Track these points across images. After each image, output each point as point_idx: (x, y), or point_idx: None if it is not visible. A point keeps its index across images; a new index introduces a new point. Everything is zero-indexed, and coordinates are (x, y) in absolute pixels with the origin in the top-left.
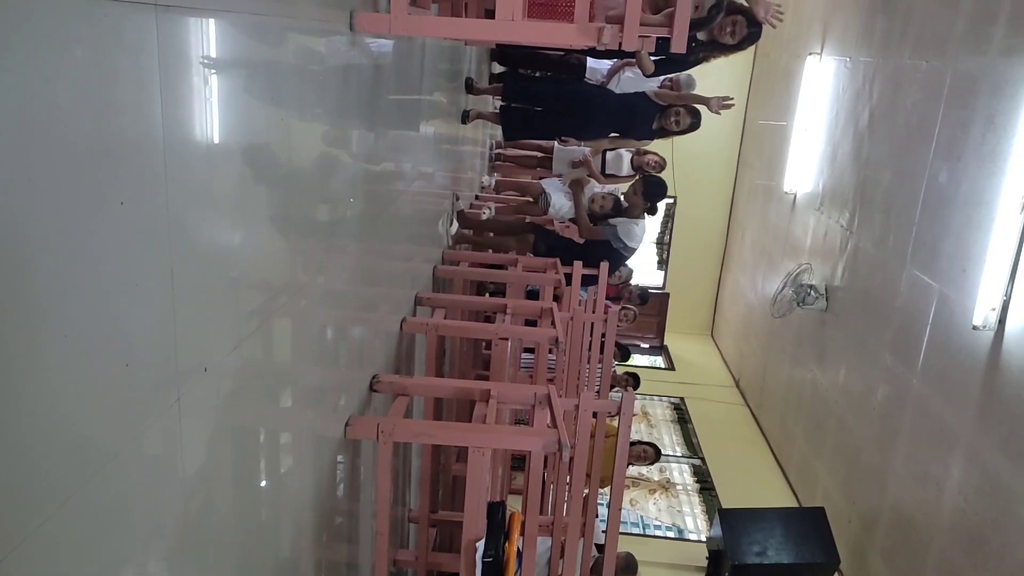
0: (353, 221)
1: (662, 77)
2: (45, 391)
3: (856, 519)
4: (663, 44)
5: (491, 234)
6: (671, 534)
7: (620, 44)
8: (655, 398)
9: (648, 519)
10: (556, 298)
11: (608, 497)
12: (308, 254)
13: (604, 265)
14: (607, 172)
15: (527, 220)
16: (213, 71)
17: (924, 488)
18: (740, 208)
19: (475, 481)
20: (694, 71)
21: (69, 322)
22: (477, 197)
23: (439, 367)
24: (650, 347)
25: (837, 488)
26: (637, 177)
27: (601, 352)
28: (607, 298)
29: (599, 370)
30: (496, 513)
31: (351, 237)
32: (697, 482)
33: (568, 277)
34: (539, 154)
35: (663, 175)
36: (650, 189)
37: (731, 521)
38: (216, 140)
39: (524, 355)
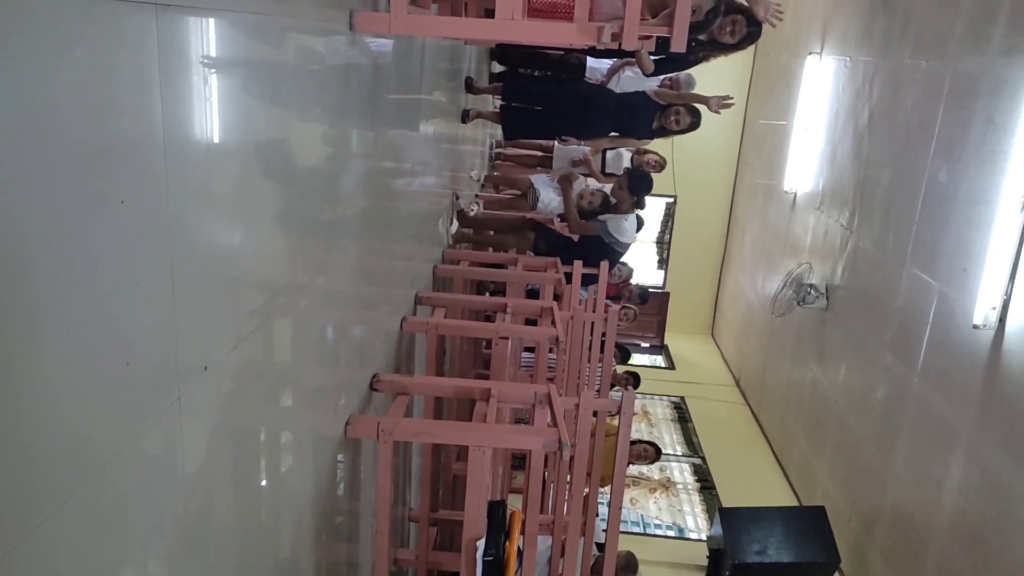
0: (353, 220)
1: (662, 76)
2: (45, 390)
3: (856, 518)
4: (663, 43)
5: (491, 232)
6: (671, 533)
7: (620, 44)
8: (655, 397)
9: (648, 518)
10: (556, 297)
11: (608, 496)
12: (308, 253)
13: (604, 264)
14: (607, 171)
15: (527, 217)
16: (213, 70)
17: (924, 487)
18: (740, 207)
19: (475, 480)
20: (694, 70)
21: (69, 321)
22: (477, 196)
23: (439, 366)
24: (650, 346)
25: (837, 487)
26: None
27: (601, 351)
28: (607, 297)
29: (599, 369)
30: (496, 512)
31: (351, 236)
32: (697, 481)
33: (568, 276)
34: (539, 153)
35: (663, 174)
36: (635, 183)
37: (731, 520)
38: (216, 140)
39: (524, 354)
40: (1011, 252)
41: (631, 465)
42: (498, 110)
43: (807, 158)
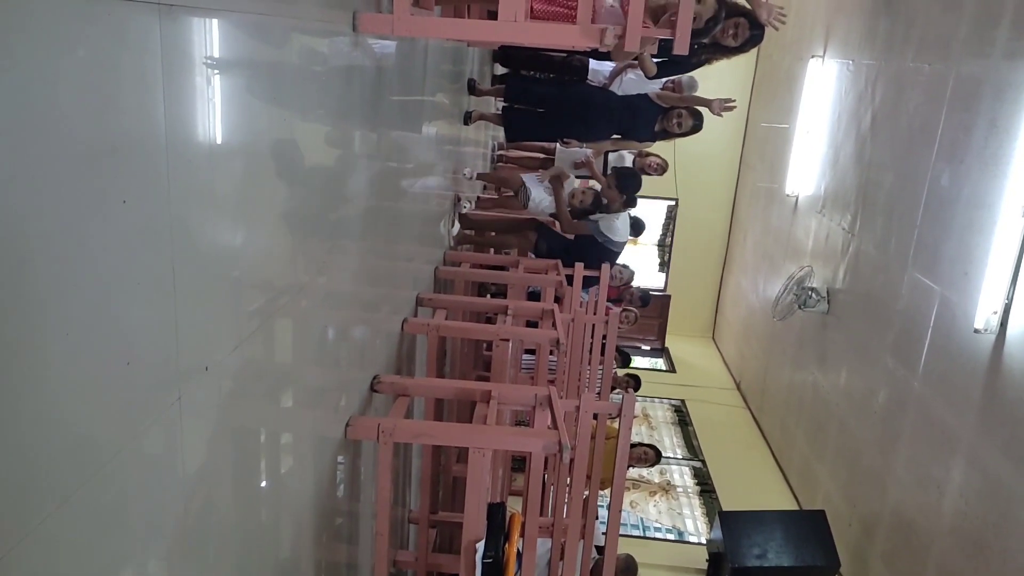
0: (355, 221)
1: (664, 79)
2: (45, 390)
3: (857, 522)
4: (665, 46)
5: (492, 233)
6: (671, 536)
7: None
8: (656, 400)
9: (648, 521)
10: (557, 299)
11: (608, 499)
12: (310, 254)
13: (606, 267)
14: (609, 174)
15: (530, 217)
16: (216, 71)
17: (925, 491)
18: (742, 210)
19: (475, 482)
20: (696, 73)
21: (70, 321)
22: (479, 198)
23: (440, 368)
24: (651, 349)
25: (838, 491)
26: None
27: (602, 354)
28: (608, 300)
29: (600, 372)
30: (496, 514)
31: (353, 237)
32: (697, 484)
33: (569, 278)
34: (541, 155)
35: (665, 177)
36: (623, 182)
37: (731, 524)
38: (218, 140)
39: (525, 356)
40: (1013, 256)
41: (631, 468)
42: (500, 112)
43: (809, 161)
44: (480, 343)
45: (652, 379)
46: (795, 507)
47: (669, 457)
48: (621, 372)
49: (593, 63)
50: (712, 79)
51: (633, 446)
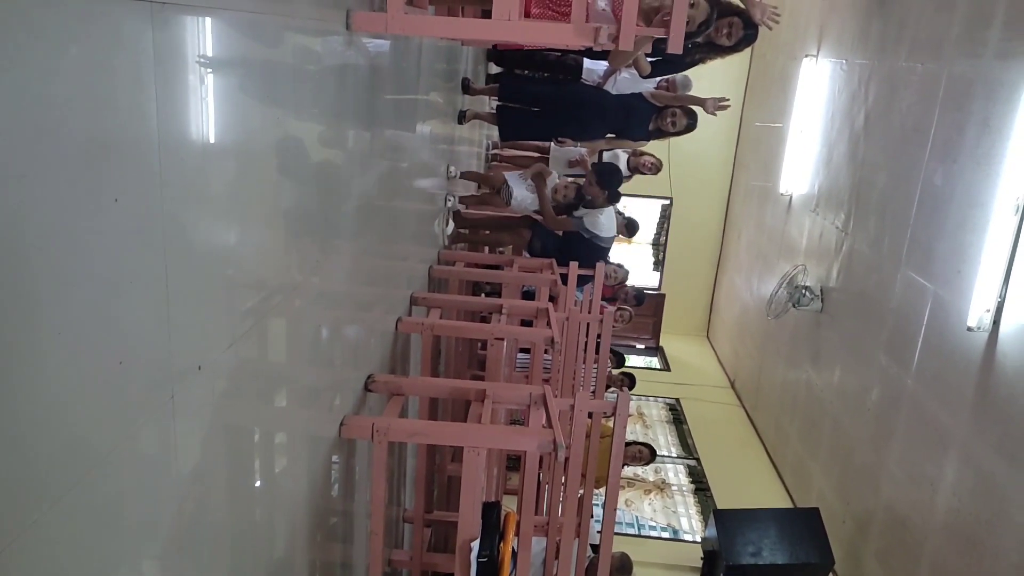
0: (349, 220)
1: (658, 78)
2: (38, 389)
3: (851, 519)
4: (659, 46)
5: (486, 232)
6: (666, 535)
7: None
8: (650, 399)
9: (643, 520)
10: (552, 298)
11: (603, 497)
12: (304, 253)
13: (600, 265)
14: (589, 171)
15: (523, 215)
16: (208, 69)
17: (918, 489)
18: (736, 209)
19: (470, 481)
20: (690, 72)
21: (62, 320)
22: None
23: (434, 367)
24: (646, 348)
25: (832, 489)
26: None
27: (597, 353)
28: (603, 299)
29: (595, 370)
30: (491, 513)
31: (347, 236)
32: (692, 483)
33: (564, 277)
34: (536, 155)
35: (659, 176)
36: (603, 178)
37: (726, 522)
38: (211, 139)
39: (520, 355)
40: (1006, 254)
41: (626, 467)
42: (495, 111)
43: (803, 160)
44: (475, 342)
45: (647, 378)
46: (789, 505)
47: (664, 455)
48: (616, 372)
49: (587, 62)
50: (706, 78)
51: (628, 444)
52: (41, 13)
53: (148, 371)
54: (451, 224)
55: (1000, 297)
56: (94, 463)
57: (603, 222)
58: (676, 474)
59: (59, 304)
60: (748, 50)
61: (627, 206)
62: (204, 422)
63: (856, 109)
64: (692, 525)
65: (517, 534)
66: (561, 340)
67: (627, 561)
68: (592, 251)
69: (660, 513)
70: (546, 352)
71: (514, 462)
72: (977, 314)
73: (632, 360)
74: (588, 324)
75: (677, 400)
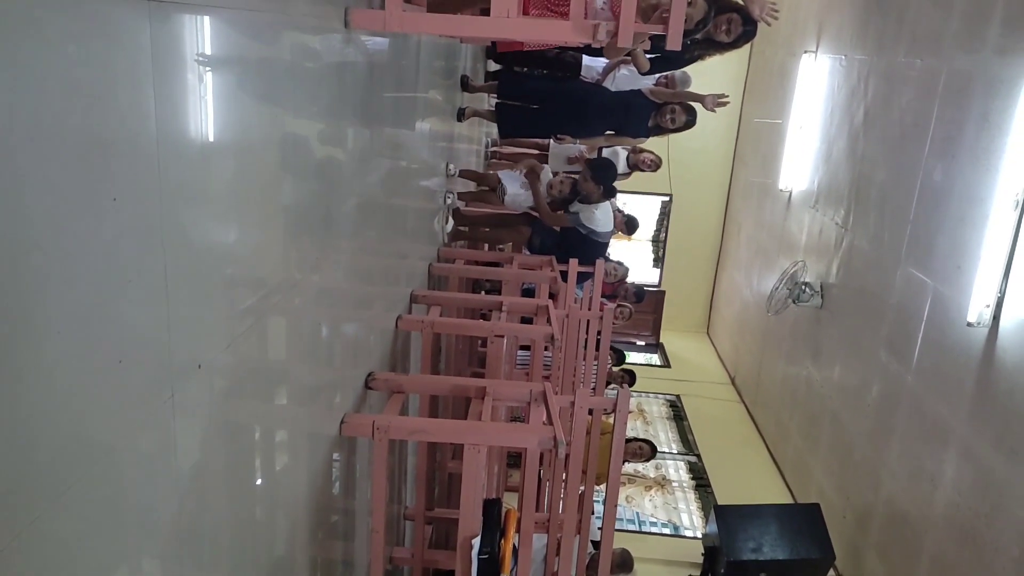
0: (348, 218)
1: (657, 75)
2: (37, 388)
3: (851, 515)
4: (658, 42)
5: (486, 229)
6: (667, 531)
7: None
8: (651, 395)
9: (644, 516)
10: (552, 296)
11: (604, 494)
12: (303, 251)
13: (600, 262)
14: (583, 167)
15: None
16: (206, 67)
17: (918, 484)
18: (736, 206)
19: (471, 478)
20: (689, 69)
21: (61, 319)
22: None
23: (434, 365)
24: (646, 344)
25: (832, 484)
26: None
27: (597, 349)
28: (603, 296)
29: (595, 367)
30: (492, 510)
31: (346, 234)
32: (693, 479)
33: (564, 274)
34: (535, 152)
35: (659, 173)
36: (597, 173)
37: (727, 517)
38: (210, 137)
39: (520, 352)
40: (1005, 250)
41: (626, 463)
42: (494, 108)
43: (802, 156)
44: (475, 339)
45: (647, 374)
46: (790, 500)
47: (664, 452)
48: (616, 369)
49: (586, 59)
50: (705, 75)
51: (628, 441)
52: (39, 11)
53: (147, 370)
54: (451, 222)
55: (1000, 292)
56: (94, 461)
57: (599, 217)
58: (677, 470)
59: (58, 303)
60: (747, 46)
61: (627, 203)
62: (204, 420)
63: (855, 105)
64: (693, 521)
65: (518, 531)
66: (561, 337)
67: (628, 557)
68: (591, 247)
69: (661, 509)
70: (546, 349)
71: (515, 459)
72: (977, 309)
73: (632, 357)
74: (588, 321)
75: (677, 396)
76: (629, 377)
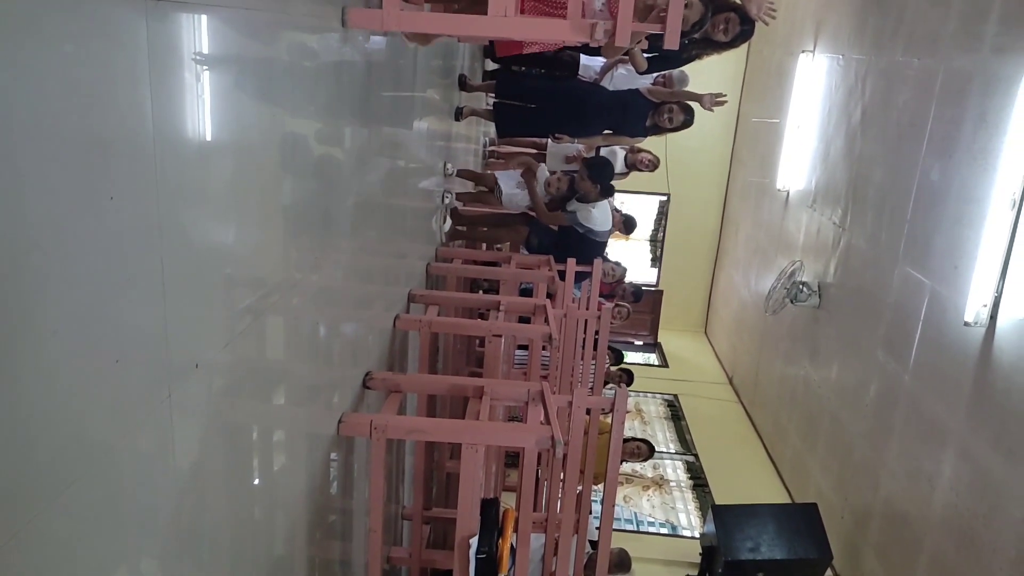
0: (346, 218)
1: (655, 74)
2: (34, 388)
3: (849, 515)
4: (656, 42)
5: (484, 228)
6: (664, 530)
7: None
8: (649, 395)
9: (642, 515)
10: (550, 295)
11: (602, 494)
12: (301, 251)
13: (598, 262)
14: (580, 166)
15: (521, 212)
16: (204, 66)
17: (916, 484)
18: (733, 205)
19: (468, 478)
20: (687, 68)
21: (58, 318)
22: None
23: (432, 364)
24: (643, 344)
25: (830, 484)
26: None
27: (595, 349)
28: (600, 295)
29: (592, 367)
30: (490, 510)
31: (344, 234)
32: (691, 479)
33: (562, 274)
34: (533, 151)
35: (657, 172)
36: (594, 172)
37: (724, 517)
38: (208, 136)
39: (518, 352)
40: (1002, 249)
41: (624, 463)
42: (492, 107)
43: (800, 156)
44: (472, 339)
45: (645, 374)
46: (787, 500)
47: (662, 452)
48: (614, 368)
49: (584, 58)
50: (703, 74)
51: (626, 441)
52: (36, 10)
53: (145, 369)
54: (449, 221)
55: (997, 292)
56: (92, 461)
57: (596, 216)
58: (674, 470)
59: (55, 302)
60: (745, 46)
61: (624, 202)
62: (202, 420)
63: (853, 104)
64: (690, 521)
65: (516, 530)
66: (559, 337)
67: (626, 557)
68: (589, 247)
69: (658, 509)
70: (544, 349)
71: (512, 459)
72: (974, 309)
73: (630, 356)
74: (586, 320)
75: (675, 396)
76: (627, 377)
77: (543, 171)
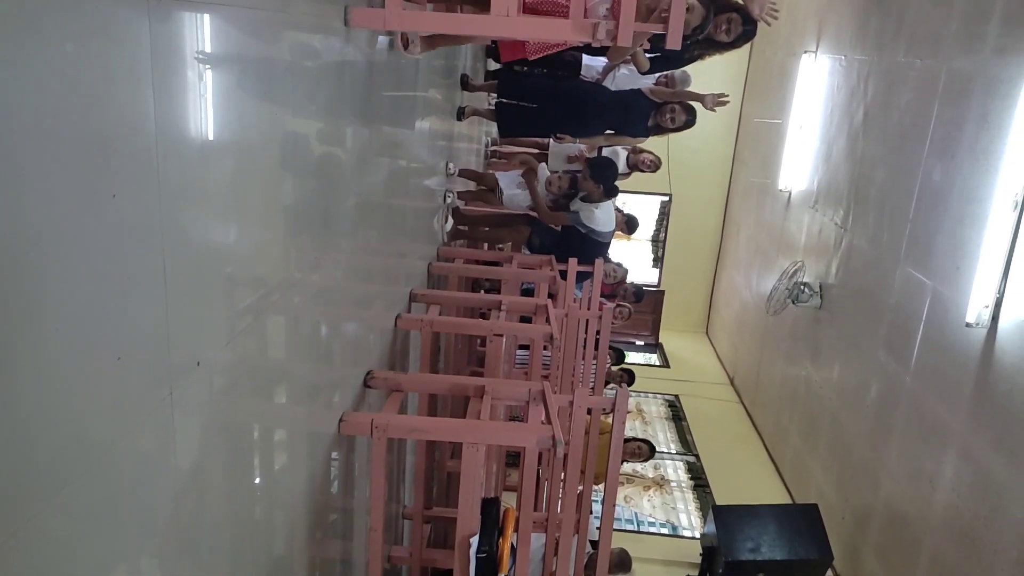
0: (348, 217)
1: (657, 74)
2: (35, 386)
3: (849, 515)
4: (658, 42)
5: (485, 228)
6: (665, 531)
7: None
8: (650, 395)
9: (642, 516)
10: (551, 295)
11: (602, 494)
12: (302, 250)
13: (599, 262)
14: (583, 166)
15: (522, 212)
16: (206, 65)
17: (917, 485)
18: (735, 206)
19: (469, 477)
20: (689, 68)
21: (60, 316)
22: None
23: (433, 364)
24: (645, 344)
25: (831, 485)
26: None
27: (596, 349)
28: (602, 295)
29: (594, 367)
30: (490, 509)
31: (346, 233)
32: (691, 479)
33: (563, 274)
34: (535, 151)
35: (659, 173)
36: (597, 171)
37: (725, 518)
38: (209, 135)
39: (519, 352)
40: (1004, 250)
41: (625, 463)
42: (494, 107)
43: (802, 156)
44: (474, 339)
45: (646, 374)
46: (788, 501)
47: (663, 452)
48: (615, 368)
49: (586, 58)
50: (705, 74)
51: (627, 441)
52: (37, 8)
53: (146, 367)
54: (450, 221)
55: (999, 293)
56: (92, 459)
57: (599, 216)
58: (675, 470)
59: (56, 300)
60: (747, 46)
61: (626, 202)
62: (202, 419)
63: (855, 105)
64: (691, 521)
65: (516, 530)
66: (560, 336)
67: (626, 557)
68: (591, 247)
69: (659, 509)
70: (545, 348)
71: (513, 458)
72: (976, 310)
73: (631, 356)
74: (587, 320)
75: (676, 396)
76: (628, 377)
77: (544, 170)
